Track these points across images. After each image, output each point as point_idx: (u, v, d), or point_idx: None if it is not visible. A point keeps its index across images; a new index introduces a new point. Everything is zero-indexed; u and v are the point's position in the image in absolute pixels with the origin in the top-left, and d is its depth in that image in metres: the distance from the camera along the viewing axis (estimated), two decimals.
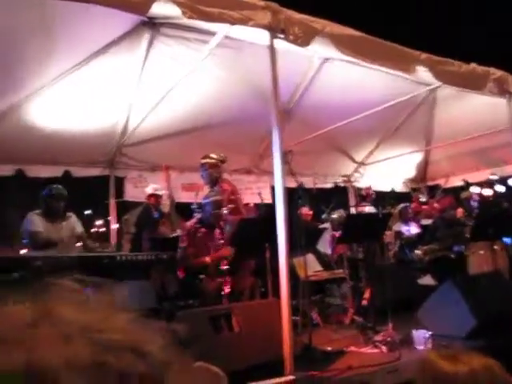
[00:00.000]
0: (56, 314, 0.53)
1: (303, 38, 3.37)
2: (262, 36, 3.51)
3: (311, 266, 4.93)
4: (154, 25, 4.79)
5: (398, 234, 6.96)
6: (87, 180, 6.85)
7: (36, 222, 4.68)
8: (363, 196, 7.91)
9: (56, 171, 6.59)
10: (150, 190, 6.16)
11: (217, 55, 4.91)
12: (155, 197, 6.09)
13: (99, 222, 6.34)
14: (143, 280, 4.80)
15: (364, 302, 5.18)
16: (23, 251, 4.49)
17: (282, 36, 3.40)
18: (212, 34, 4.47)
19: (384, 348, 3.86)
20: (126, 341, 0.51)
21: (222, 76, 5.51)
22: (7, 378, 0.45)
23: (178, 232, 5.08)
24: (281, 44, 3.46)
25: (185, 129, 6.33)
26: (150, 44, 4.97)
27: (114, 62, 5.01)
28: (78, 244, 4.87)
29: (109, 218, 6.84)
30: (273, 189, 7.47)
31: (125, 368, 0.49)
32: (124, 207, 7.35)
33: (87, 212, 6.67)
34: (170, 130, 6.34)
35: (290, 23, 3.37)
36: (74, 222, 4.93)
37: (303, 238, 3.98)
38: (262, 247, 4.13)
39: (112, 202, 7.02)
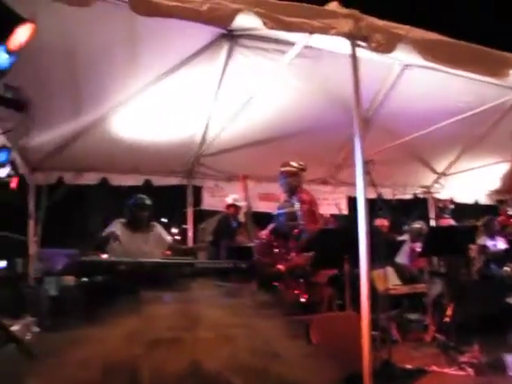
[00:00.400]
0: (206, 316, 0.54)
1: (386, 45, 3.28)
2: (342, 44, 3.46)
3: (390, 280, 4.77)
4: (232, 36, 4.86)
5: (483, 248, 6.59)
6: (166, 189, 7.10)
7: (116, 228, 4.82)
8: (440, 208, 7.58)
9: (137, 180, 6.87)
10: (230, 200, 6.24)
11: (294, 65, 4.90)
12: (234, 207, 6.17)
13: (176, 230, 6.47)
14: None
15: (446, 320, 4.93)
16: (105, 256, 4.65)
17: (363, 44, 3.33)
18: (291, 44, 4.48)
19: (470, 371, 3.63)
20: (274, 346, 0.51)
21: (299, 86, 5.50)
22: (173, 377, 0.46)
23: (254, 241, 5.09)
24: (362, 52, 3.39)
25: (262, 139, 6.37)
26: (229, 55, 5.05)
27: (194, 73, 5.14)
28: (168, 253, 4.98)
29: (184, 227, 6.97)
30: (349, 200, 7.48)
31: (283, 374, 0.49)
32: (200, 216, 7.49)
33: (163, 220, 6.87)
34: (248, 140, 6.40)
35: (372, 30, 3.29)
36: (159, 232, 5.02)
37: (382, 250, 3.85)
38: (340, 258, 4.05)
39: (189, 211, 7.17)
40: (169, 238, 5.05)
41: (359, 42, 3.36)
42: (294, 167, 5.20)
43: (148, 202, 4.90)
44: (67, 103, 5.14)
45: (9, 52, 2.73)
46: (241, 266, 4.08)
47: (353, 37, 3.29)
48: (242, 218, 6.25)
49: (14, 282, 7.91)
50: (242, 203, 6.17)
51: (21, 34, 2.78)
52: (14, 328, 3.71)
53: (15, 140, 4.47)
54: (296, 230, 4.79)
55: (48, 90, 4.57)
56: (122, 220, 4.92)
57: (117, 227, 4.82)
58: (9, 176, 4.34)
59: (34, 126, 3.71)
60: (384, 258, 3.96)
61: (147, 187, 6.80)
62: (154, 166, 6.82)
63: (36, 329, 5.44)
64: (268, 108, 5.86)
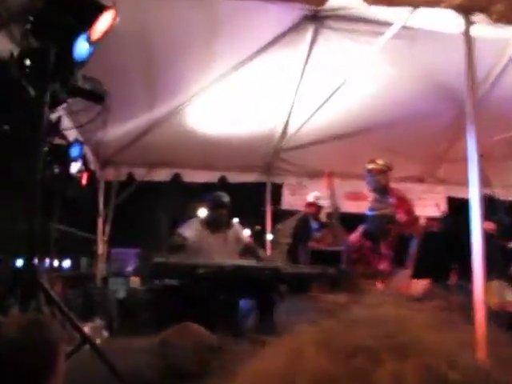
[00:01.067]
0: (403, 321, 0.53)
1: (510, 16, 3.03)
2: (450, 20, 3.29)
3: (503, 294, 4.50)
4: (318, 18, 4.74)
5: None
6: (243, 186, 7.21)
7: (192, 227, 4.89)
8: None
9: (212, 176, 6.99)
10: (310, 198, 6.18)
11: (387, 48, 4.72)
12: (315, 206, 6.08)
13: (248, 232, 6.51)
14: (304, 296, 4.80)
15: None
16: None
17: (478, 17, 3.12)
18: (385, 24, 4.33)
19: None
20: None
21: (391, 71, 5.31)
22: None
23: (343, 245, 5.00)
24: (476, 28, 3.20)
25: (349, 131, 6.24)
26: (314, 40, 4.94)
27: (274, 61, 5.11)
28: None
29: (257, 228, 7.01)
30: (449, 200, 7.19)
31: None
32: (278, 216, 7.50)
33: (235, 220, 6.93)
34: (333, 133, 6.30)
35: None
36: (238, 231, 5.07)
37: (496, 258, 3.63)
38: (447, 268, 3.87)
39: (268, 210, 7.21)
40: (246, 238, 5.09)
41: (472, 17, 3.16)
42: (381, 165, 5.08)
43: (227, 199, 4.95)
44: (142, 94, 5.28)
45: (90, 42, 2.81)
46: (330, 272, 4.01)
47: (466, 9, 3.10)
48: (323, 218, 6.15)
49: (80, 283, 8.30)
50: (324, 202, 6.08)
51: (103, 23, 2.85)
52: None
53: (90, 134, 4.63)
54: (391, 234, 4.66)
55: (123, 81, 4.70)
56: (200, 218, 5.01)
57: (194, 226, 4.90)
58: (79, 172, 4.49)
59: (110, 119, 3.80)
60: (498, 269, 3.73)
61: (222, 184, 6.90)
62: (229, 162, 6.90)
63: (105, 332, 5.66)
64: (356, 97, 5.72)
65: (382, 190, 5.07)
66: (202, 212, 5.13)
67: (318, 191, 6.26)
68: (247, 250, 5.04)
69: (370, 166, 5.13)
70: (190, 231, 4.83)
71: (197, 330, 1.99)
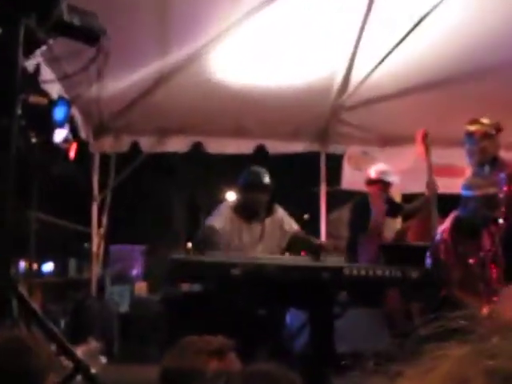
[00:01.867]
0: None
1: None
2: None
3: None
4: None
5: None
6: (287, 159, 7.19)
7: (223, 215, 4.90)
8: None
9: (245, 146, 7.07)
10: (373, 172, 6.13)
11: None
12: (381, 184, 6.05)
13: (301, 220, 6.55)
14: (374, 307, 4.81)
15: None
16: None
17: None
18: None
19: None
20: None
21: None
22: None
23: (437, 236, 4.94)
24: None
25: (435, 80, 6.12)
26: None
27: None
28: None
29: (305, 217, 7.09)
30: None
31: None
32: (336, 200, 7.47)
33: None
34: (412, 83, 6.22)
35: None
36: (281, 218, 5.05)
37: None
38: None
39: (322, 191, 7.23)
40: (293, 226, 5.07)
41: None
42: (487, 125, 4.95)
43: (268, 179, 4.91)
44: (151, 36, 5.31)
45: None
46: (413, 276, 3.97)
47: None
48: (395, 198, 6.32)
49: (68, 292, 8.43)
50: (392, 178, 6.07)
51: None
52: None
53: (80, 89, 4.64)
54: (497, 225, 4.56)
55: (128, 15, 4.73)
56: (231, 203, 5.02)
57: (224, 213, 4.90)
58: (66, 141, 4.49)
59: (107, 68, 3.79)
60: None
61: (260, 156, 6.98)
62: (268, 126, 6.92)
63: (103, 358, 5.74)
64: (444, 33, 5.60)
65: (489, 162, 4.94)
66: (232, 195, 5.14)
67: (396, 164, 6.21)
68: (296, 242, 5.03)
69: (472, 128, 5.00)
70: (220, 221, 4.85)
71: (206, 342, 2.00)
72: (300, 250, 5.11)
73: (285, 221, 5.07)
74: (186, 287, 4.85)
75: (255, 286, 3.73)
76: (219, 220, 4.87)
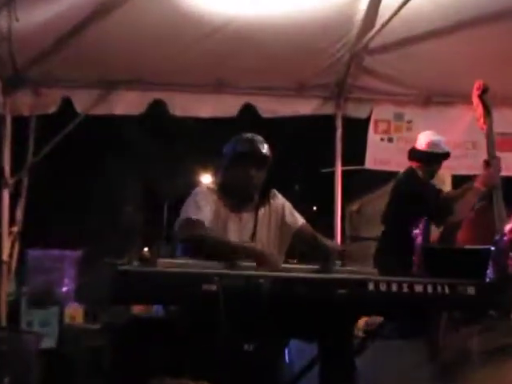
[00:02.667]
0: None
1: None
2: None
3: None
4: None
5: None
6: (288, 125, 7.19)
7: (205, 202, 4.81)
8: None
9: (227, 106, 7.15)
10: (423, 141, 6.14)
11: None
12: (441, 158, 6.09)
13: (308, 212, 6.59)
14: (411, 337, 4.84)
15: None
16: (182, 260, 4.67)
17: None
18: None
19: None
20: None
21: None
22: None
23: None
24: None
25: (497, 11, 6.14)
26: None
27: None
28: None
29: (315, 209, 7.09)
30: None
31: None
32: (357, 184, 7.48)
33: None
34: (467, 16, 6.25)
35: None
36: (280, 206, 5.00)
37: None
38: None
39: (338, 172, 7.33)
40: (298, 219, 5.03)
41: None
42: None
43: (267, 149, 4.85)
44: None
45: None
46: (468, 291, 3.98)
47: None
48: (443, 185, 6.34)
49: None
50: (446, 149, 6.11)
51: None
52: None
53: None
54: None
55: None
56: (212, 185, 4.94)
57: (208, 201, 4.83)
58: None
59: None
60: None
61: (248, 121, 6.92)
62: (261, 78, 7.03)
63: None
64: None
65: None
66: (208, 179, 5.08)
67: (445, 131, 6.23)
68: (301, 243, 4.99)
69: None
70: (207, 213, 4.80)
71: None
72: (307, 255, 5.08)
73: (286, 211, 4.98)
74: (139, 311, 4.82)
75: (240, 309, 3.69)
76: (205, 211, 4.84)
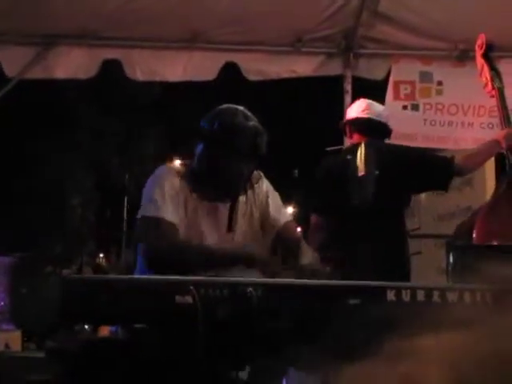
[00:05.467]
0: None
1: None
2: None
3: None
4: None
5: None
6: (282, 89, 7.21)
7: (171, 189, 4.79)
8: None
9: (203, 66, 7.18)
10: (354, 111, 6.43)
11: None
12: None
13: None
14: None
15: None
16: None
17: None
18: None
19: None
20: None
21: None
22: None
23: None
24: None
25: None
26: None
27: None
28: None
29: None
30: None
31: None
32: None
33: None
34: None
35: None
36: (265, 195, 4.98)
37: None
38: None
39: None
40: (283, 214, 5.02)
41: None
42: None
43: (252, 122, 4.84)
44: None
45: None
46: None
47: None
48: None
49: None
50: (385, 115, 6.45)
51: None
52: None
53: None
54: None
55: None
56: (178, 168, 4.90)
57: (174, 187, 4.82)
58: None
59: None
60: None
61: (229, 85, 6.90)
62: (246, 30, 7.06)
63: None
64: None
65: None
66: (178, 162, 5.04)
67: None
68: (283, 244, 4.97)
69: None
70: (175, 203, 4.79)
71: None
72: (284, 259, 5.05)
73: (272, 201, 5.00)
74: (89, 331, 4.81)
75: (223, 327, 3.71)
76: (174, 202, 4.83)
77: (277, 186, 5.01)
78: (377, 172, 6.12)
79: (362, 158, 6.18)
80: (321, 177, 6.65)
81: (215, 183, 4.66)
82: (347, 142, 6.69)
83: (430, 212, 7.81)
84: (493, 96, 5.72)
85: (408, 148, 6.81)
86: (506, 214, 5.63)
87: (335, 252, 5.09)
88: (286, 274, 4.25)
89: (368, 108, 6.45)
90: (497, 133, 5.88)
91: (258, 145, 4.62)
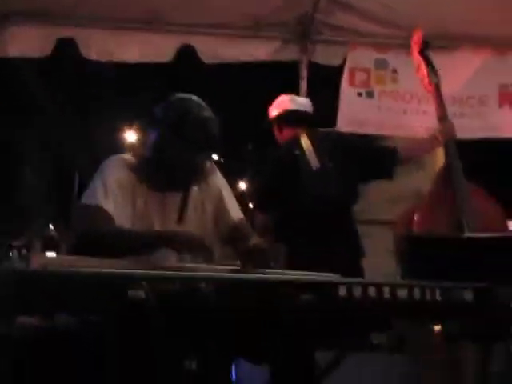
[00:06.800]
0: None
1: None
2: None
3: None
4: None
5: None
6: (237, 73, 7.19)
7: (116, 179, 4.75)
8: None
9: (159, 48, 7.17)
10: (278, 108, 6.56)
11: None
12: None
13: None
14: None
15: None
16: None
17: None
18: None
19: None
20: None
21: None
22: None
23: None
24: None
25: None
26: None
27: None
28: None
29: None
30: None
31: None
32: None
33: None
34: None
35: None
36: (218, 187, 4.97)
37: None
38: None
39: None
40: (236, 211, 5.00)
41: None
42: None
43: (212, 117, 4.82)
44: None
45: None
46: (465, 297, 4.02)
47: None
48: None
49: None
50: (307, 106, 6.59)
51: None
52: None
53: None
54: None
55: None
56: (128, 156, 4.87)
57: (117, 177, 4.78)
58: None
59: None
60: None
61: (185, 68, 6.90)
62: (202, 11, 7.01)
63: None
64: None
65: None
66: (131, 137, 4.98)
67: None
68: (232, 240, 4.94)
69: None
70: (113, 197, 4.75)
71: None
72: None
73: (225, 195, 5.00)
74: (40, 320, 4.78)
75: (176, 320, 3.71)
76: (111, 194, 4.79)
77: (230, 160, 5.01)
78: (331, 164, 6.16)
79: (311, 150, 6.23)
80: (267, 174, 6.73)
81: (167, 173, 4.63)
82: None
83: (379, 194, 7.88)
84: (430, 91, 5.90)
85: (351, 137, 6.97)
86: (441, 209, 5.89)
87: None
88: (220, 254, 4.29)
89: (292, 100, 6.62)
90: (436, 128, 6.01)
91: (213, 136, 4.62)
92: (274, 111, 6.58)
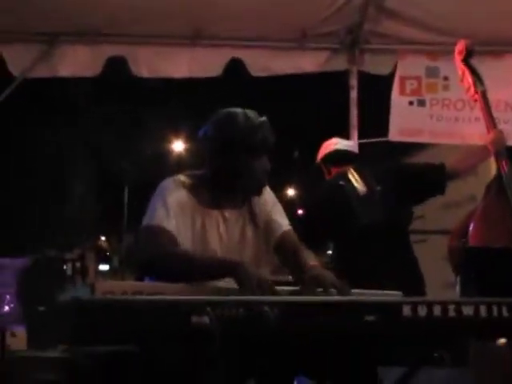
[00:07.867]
0: None
1: None
2: None
3: None
4: None
5: None
6: (286, 85, 7.15)
7: (178, 202, 4.71)
8: None
9: (207, 63, 7.19)
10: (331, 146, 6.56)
11: None
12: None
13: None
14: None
15: None
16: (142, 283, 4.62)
17: None
18: None
19: None
20: None
21: None
22: None
23: None
24: None
25: None
26: None
27: None
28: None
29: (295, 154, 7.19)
30: None
31: None
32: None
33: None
34: None
35: None
36: (269, 203, 4.89)
37: None
38: None
39: (353, 141, 7.33)
40: (284, 221, 4.93)
41: None
42: None
43: (264, 121, 4.78)
44: None
45: None
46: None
47: None
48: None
49: None
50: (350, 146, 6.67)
51: None
52: None
53: None
54: None
55: None
56: (184, 178, 4.82)
57: (176, 198, 4.74)
58: None
59: None
60: None
61: (233, 82, 6.89)
62: (249, 25, 7.04)
63: None
64: None
65: None
66: (179, 146, 4.91)
67: None
68: (281, 253, 4.87)
69: None
70: (177, 217, 4.70)
71: None
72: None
73: (273, 208, 4.94)
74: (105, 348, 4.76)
75: (239, 343, 3.68)
76: (172, 214, 4.74)
77: (277, 168, 4.96)
78: (378, 187, 6.14)
79: (358, 178, 6.24)
80: (317, 210, 6.71)
81: (236, 184, 4.57)
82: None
83: (434, 200, 7.84)
84: (476, 100, 5.80)
85: (396, 164, 6.89)
86: (496, 220, 5.75)
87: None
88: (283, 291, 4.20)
89: (338, 142, 6.63)
90: (485, 138, 5.87)
91: (270, 138, 4.59)
92: (321, 153, 6.62)
